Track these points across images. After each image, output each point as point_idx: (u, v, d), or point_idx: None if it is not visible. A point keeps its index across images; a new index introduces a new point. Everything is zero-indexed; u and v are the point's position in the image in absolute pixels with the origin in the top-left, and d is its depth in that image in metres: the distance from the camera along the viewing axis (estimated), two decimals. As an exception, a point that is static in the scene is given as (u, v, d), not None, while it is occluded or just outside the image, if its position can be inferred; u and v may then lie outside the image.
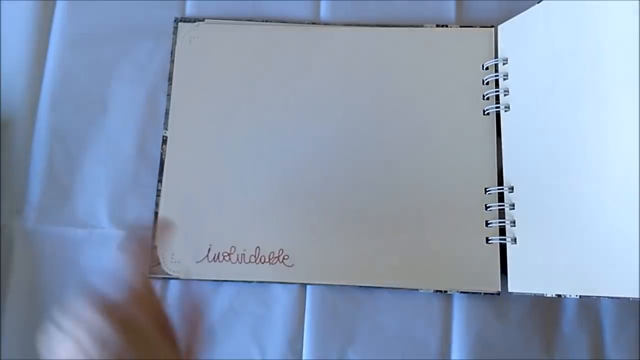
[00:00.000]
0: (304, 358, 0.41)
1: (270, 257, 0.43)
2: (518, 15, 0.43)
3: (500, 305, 0.42)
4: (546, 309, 0.42)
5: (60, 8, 0.48)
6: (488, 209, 0.42)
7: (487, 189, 0.43)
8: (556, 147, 0.38)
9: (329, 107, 0.45)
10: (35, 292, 0.43)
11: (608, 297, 0.38)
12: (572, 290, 0.36)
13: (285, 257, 0.42)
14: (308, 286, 0.43)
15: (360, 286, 0.42)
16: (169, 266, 0.43)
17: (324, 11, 0.48)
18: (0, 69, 0.46)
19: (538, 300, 0.41)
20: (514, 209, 0.41)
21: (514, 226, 0.41)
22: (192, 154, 0.45)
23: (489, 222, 0.42)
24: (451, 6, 0.47)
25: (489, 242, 0.42)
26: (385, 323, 0.42)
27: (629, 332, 0.41)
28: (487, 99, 0.44)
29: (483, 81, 0.45)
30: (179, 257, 0.43)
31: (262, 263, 0.42)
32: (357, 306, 0.42)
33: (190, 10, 0.48)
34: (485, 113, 0.44)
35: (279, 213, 0.44)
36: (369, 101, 0.45)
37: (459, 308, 0.42)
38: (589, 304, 0.42)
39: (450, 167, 0.44)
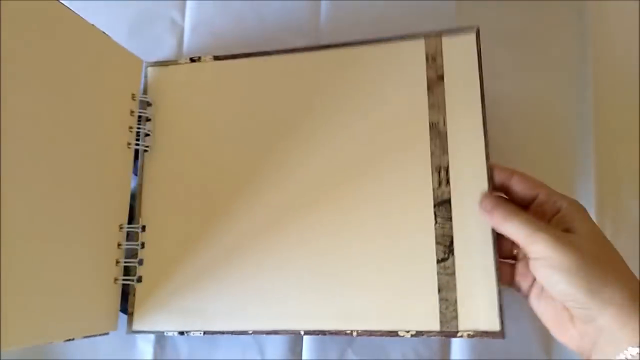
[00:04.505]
0: (303, 358, 0.41)
1: None
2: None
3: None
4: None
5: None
6: (119, 247, 0.41)
7: (121, 226, 0.41)
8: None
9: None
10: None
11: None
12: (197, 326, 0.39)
13: None
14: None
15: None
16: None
17: (324, 11, 0.46)
18: None
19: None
20: (143, 247, 0.41)
21: (142, 265, 0.41)
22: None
23: (119, 260, 0.41)
24: (452, 6, 0.45)
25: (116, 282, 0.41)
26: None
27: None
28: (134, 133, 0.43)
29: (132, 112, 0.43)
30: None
31: None
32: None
33: (190, 9, 0.48)
34: (129, 147, 0.42)
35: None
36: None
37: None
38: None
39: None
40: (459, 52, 0.39)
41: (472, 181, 0.37)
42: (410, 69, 0.40)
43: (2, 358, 0.41)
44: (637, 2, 0.43)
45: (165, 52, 0.48)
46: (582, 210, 0.33)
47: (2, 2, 0.31)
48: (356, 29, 0.46)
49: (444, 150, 0.38)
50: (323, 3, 0.46)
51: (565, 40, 0.43)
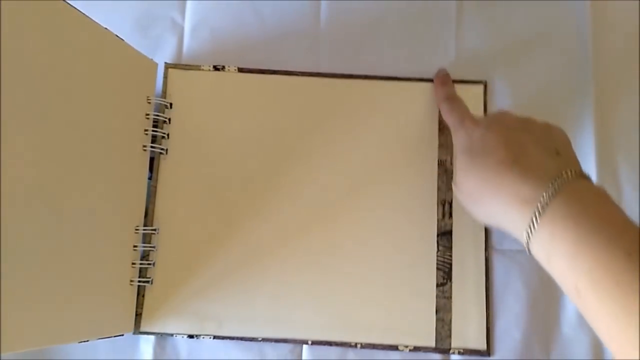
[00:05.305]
0: (303, 358, 0.42)
1: None
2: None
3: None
4: (546, 308, 0.42)
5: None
6: (134, 249, 0.42)
7: (137, 228, 0.42)
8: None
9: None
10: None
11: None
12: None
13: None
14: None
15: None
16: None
17: (324, 11, 0.47)
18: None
19: (537, 300, 0.42)
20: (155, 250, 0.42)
21: (154, 267, 0.42)
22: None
23: (134, 262, 0.41)
24: (452, 6, 0.47)
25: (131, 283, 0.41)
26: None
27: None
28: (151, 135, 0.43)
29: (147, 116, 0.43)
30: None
31: None
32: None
33: (190, 9, 0.48)
34: (144, 150, 0.43)
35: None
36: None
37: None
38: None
39: None
40: (468, 100, 0.44)
41: (471, 216, 0.42)
42: (425, 109, 0.44)
43: (3, 357, 0.40)
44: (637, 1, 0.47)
45: (165, 52, 0.47)
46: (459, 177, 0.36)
47: (16, 7, 0.30)
48: (356, 29, 0.47)
49: (449, 186, 0.43)
50: (323, 3, 0.48)
51: (565, 36, 0.46)
